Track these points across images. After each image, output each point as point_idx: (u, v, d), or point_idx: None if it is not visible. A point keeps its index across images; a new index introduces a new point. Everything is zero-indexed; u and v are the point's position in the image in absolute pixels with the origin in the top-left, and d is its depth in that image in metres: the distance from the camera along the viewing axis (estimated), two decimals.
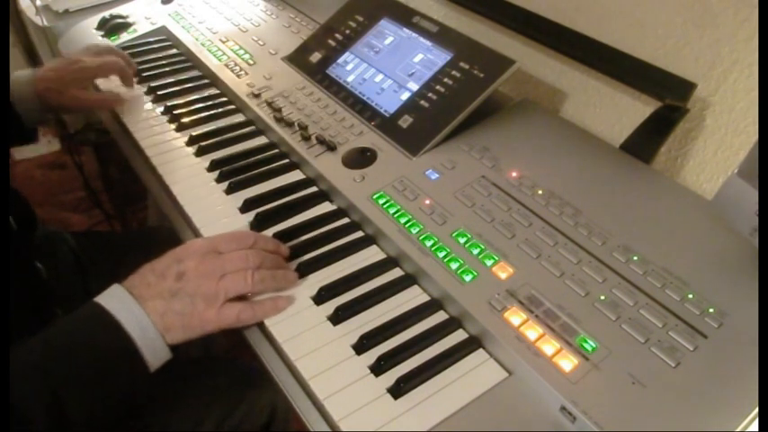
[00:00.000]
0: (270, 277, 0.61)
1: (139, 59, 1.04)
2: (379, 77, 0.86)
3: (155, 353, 0.55)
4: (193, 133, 0.86)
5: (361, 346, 0.57)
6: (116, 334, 0.53)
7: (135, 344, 0.54)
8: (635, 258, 0.60)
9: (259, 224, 0.71)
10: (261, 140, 0.86)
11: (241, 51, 1.01)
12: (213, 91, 0.97)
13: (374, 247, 0.68)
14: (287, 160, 0.82)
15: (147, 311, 0.55)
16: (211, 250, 0.60)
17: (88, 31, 1.14)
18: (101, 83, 0.96)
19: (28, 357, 0.51)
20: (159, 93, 0.95)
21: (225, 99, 0.95)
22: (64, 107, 0.88)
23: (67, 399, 0.50)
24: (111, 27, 1.13)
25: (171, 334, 0.56)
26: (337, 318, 0.59)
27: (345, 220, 0.72)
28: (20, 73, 0.85)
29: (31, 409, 0.48)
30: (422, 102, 0.80)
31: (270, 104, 0.87)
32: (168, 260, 0.59)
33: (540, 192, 0.68)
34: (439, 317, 0.60)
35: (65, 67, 0.86)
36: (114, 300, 0.55)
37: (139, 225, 1.66)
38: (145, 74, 0.99)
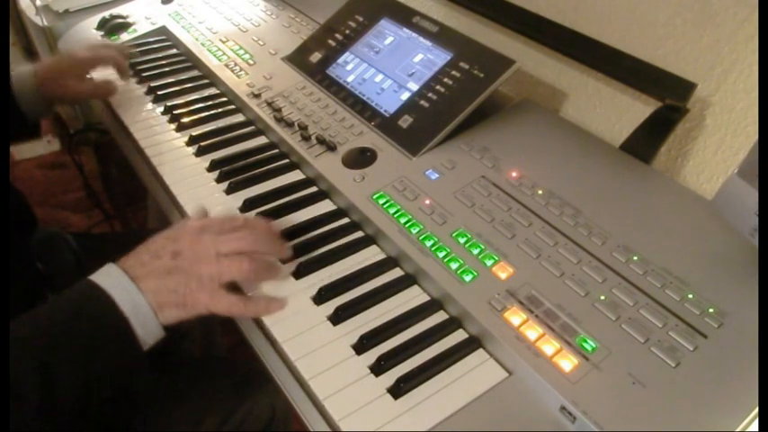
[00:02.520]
0: (265, 269, 0.61)
1: (139, 59, 1.04)
2: (379, 77, 0.86)
3: (147, 330, 0.54)
4: (193, 133, 0.86)
5: (361, 346, 0.57)
6: (108, 310, 0.53)
7: (127, 320, 0.53)
8: (635, 258, 0.60)
9: None
10: (261, 140, 0.86)
11: (241, 51, 1.01)
12: (213, 91, 0.97)
13: (374, 247, 0.68)
14: (287, 160, 0.82)
15: (141, 289, 0.55)
16: (206, 230, 0.60)
17: (88, 31, 1.14)
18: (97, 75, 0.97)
19: (18, 333, 0.50)
20: (159, 93, 0.95)
21: (225, 99, 0.95)
22: (61, 98, 0.90)
23: (57, 375, 0.49)
24: (111, 27, 1.13)
25: (164, 312, 0.56)
26: (337, 318, 0.59)
27: (345, 220, 0.72)
28: (21, 68, 0.86)
29: (22, 385, 0.48)
30: (422, 102, 0.80)
31: (270, 104, 0.87)
32: (163, 240, 0.59)
33: (540, 192, 0.68)
34: (439, 317, 0.60)
35: (61, 59, 0.89)
36: (107, 277, 0.55)
37: (139, 225, 1.66)
38: (145, 74, 0.99)
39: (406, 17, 0.90)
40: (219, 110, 0.92)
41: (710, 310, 0.55)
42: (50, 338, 0.51)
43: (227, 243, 0.59)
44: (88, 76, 0.94)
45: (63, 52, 0.93)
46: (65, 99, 0.95)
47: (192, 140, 0.85)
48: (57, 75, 0.86)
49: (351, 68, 0.89)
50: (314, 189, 0.77)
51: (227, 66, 0.98)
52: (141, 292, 0.55)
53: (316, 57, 0.94)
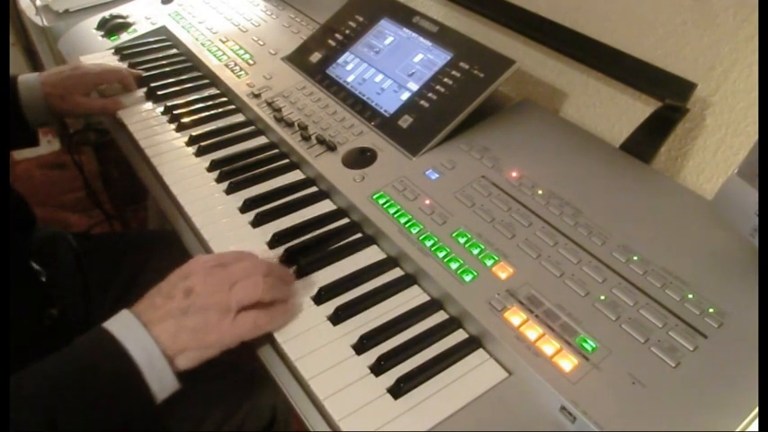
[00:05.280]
0: (281, 283, 0.60)
1: (139, 59, 1.04)
2: (379, 77, 0.86)
3: (162, 383, 0.52)
4: (193, 133, 0.86)
5: (361, 346, 0.57)
6: (121, 362, 0.50)
7: (141, 373, 0.51)
8: (635, 258, 0.60)
9: (259, 224, 0.71)
10: (261, 140, 0.86)
11: (241, 51, 1.01)
12: (213, 91, 0.97)
13: (374, 247, 0.68)
14: (287, 160, 0.82)
15: (156, 336, 0.52)
16: (217, 264, 0.58)
17: (88, 31, 1.14)
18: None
19: (26, 387, 0.48)
20: (159, 93, 0.95)
21: (225, 99, 0.95)
22: (66, 112, 0.90)
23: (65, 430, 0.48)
24: (111, 27, 1.13)
25: (183, 357, 0.53)
26: (337, 318, 0.59)
27: (345, 221, 0.72)
28: (27, 76, 0.86)
29: None
30: (422, 102, 0.80)
31: (270, 104, 0.87)
32: (174, 279, 0.57)
33: (540, 192, 0.68)
34: (439, 317, 0.60)
35: (68, 73, 0.88)
36: (121, 326, 0.53)
37: (139, 225, 1.66)
38: (145, 74, 0.99)
39: (406, 17, 0.90)
40: (219, 110, 0.92)
41: (710, 310, 0.55)
42: (59, 394, 0.49)
43: (240, 272, 0.57)
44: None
45: (70, 66, 0.92)
46: (70, 113, 0.95)
47: (191, 140, 0.85)
48: (62, 91, 0.86)
49: (351, 68, 0.89)
50: (314, 189, 0.77)
51: (227, 66, 0.98)
52: (155, 341, 0.52)
53: (316, 57, 0.94)
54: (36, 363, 0.50)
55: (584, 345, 0.53)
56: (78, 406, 0.49)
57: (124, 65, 1.02)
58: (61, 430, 0.48)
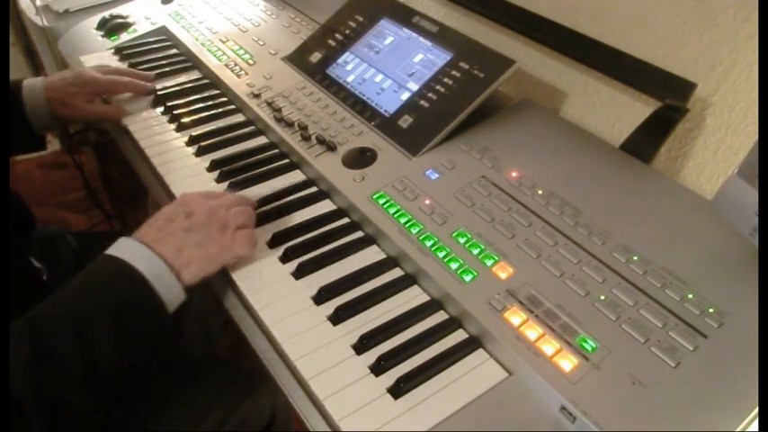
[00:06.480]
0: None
1: (139, 59, 1.04)
2: (379, 77, 0.86)
3: (171, 292, 0.58)
4: (193, 133, 0.86)
5: (361, 346, 0.57)
6: (132, 279, 0.56)
7: (150, 285, 0.56)
8: (635, 258, 0.60)
9: (259, 223, 0.71)
10: (261, 140, 0.86)
11: (241, 51, 1.01)
12: (213, 91, 0.97)
13: (374, 247, 0.68)
14: (287, 160, 0.82)
15: (160, 253, 0.58)
16: (206, 195, 0.67)
17: (88, 31, 1.14)
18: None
19: (51, 310, 0.54)
20: (159, 93, 0.95)
21: (225, 99, 0.95)
22: (68, 118, 0.89)
23: (94, 341, 0.53)
24: (111, 27, 1.13)
25: (189, 270, 0.59)
26: (337, 318, 0.59)
27: (345, 220, 0.72)
28: (32, 80, 0.85)
29: (64, 355, 0.51)
30: (422, 102, 0.80)
31: (270, 104, 0.87)
32: (172, 207, 0.64)
33: (540, 192, 0.68)
34: (439, 317, 0.60)
35: (72, 79, 0.87)
36: (124, 249, 0.58)
37: (140, 225, 1.66)
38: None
39: (406, 17, 0.90)
40: (219, 110, 0.92)
41: (710, 310, 0.55)
42: (82, 311, 0.54)
43: (231, 200, 0.67)
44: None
45: (75, 71, 0.90)
46: (71, 120, 0.94)
47: (192, 140, 0.85)
48: (64, 96, 0.85)
49: (351, 68, 0.89)
50: (314, 189, 0.77)
51: (227, 66, 0.98)
52: (160, 257, 0.58)
53: (316, 57, 0.94)
54: (54, 293, 0.55)
55: (584, 345, 0.53)
56: (101, 319, 0.54)
57: (124, 65, 1.02)
58: (90, 341, 0.53)
